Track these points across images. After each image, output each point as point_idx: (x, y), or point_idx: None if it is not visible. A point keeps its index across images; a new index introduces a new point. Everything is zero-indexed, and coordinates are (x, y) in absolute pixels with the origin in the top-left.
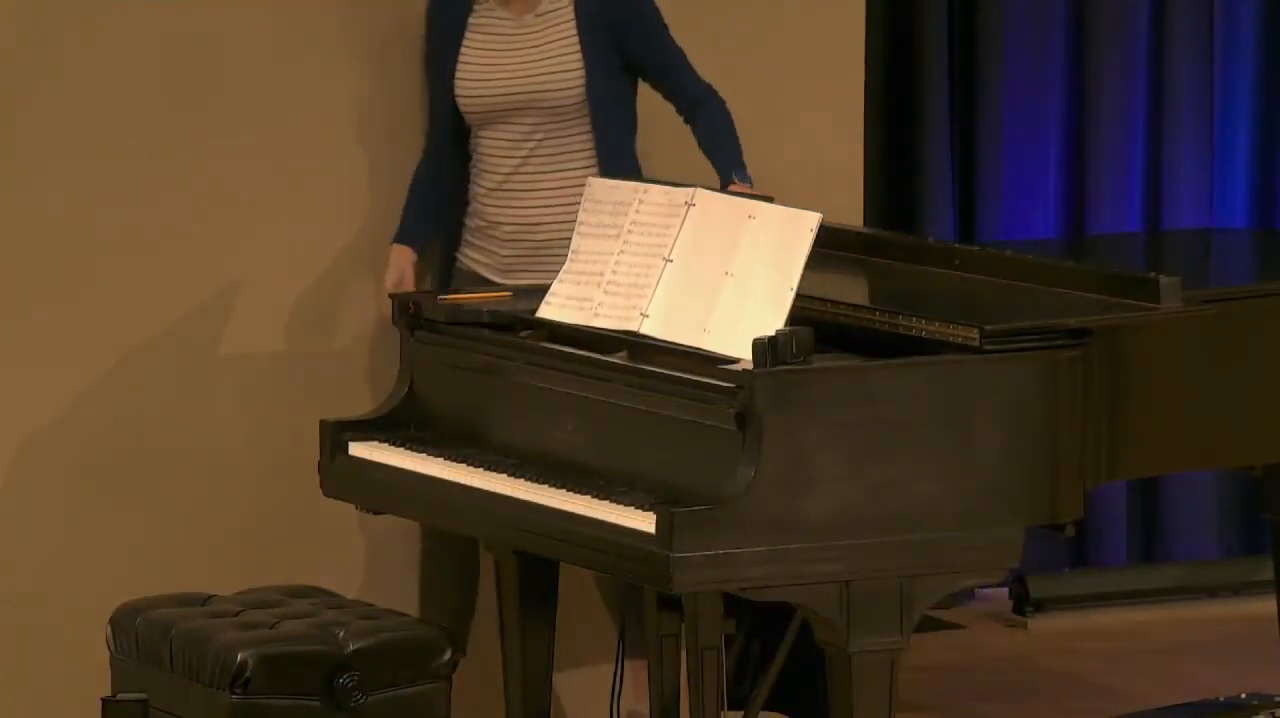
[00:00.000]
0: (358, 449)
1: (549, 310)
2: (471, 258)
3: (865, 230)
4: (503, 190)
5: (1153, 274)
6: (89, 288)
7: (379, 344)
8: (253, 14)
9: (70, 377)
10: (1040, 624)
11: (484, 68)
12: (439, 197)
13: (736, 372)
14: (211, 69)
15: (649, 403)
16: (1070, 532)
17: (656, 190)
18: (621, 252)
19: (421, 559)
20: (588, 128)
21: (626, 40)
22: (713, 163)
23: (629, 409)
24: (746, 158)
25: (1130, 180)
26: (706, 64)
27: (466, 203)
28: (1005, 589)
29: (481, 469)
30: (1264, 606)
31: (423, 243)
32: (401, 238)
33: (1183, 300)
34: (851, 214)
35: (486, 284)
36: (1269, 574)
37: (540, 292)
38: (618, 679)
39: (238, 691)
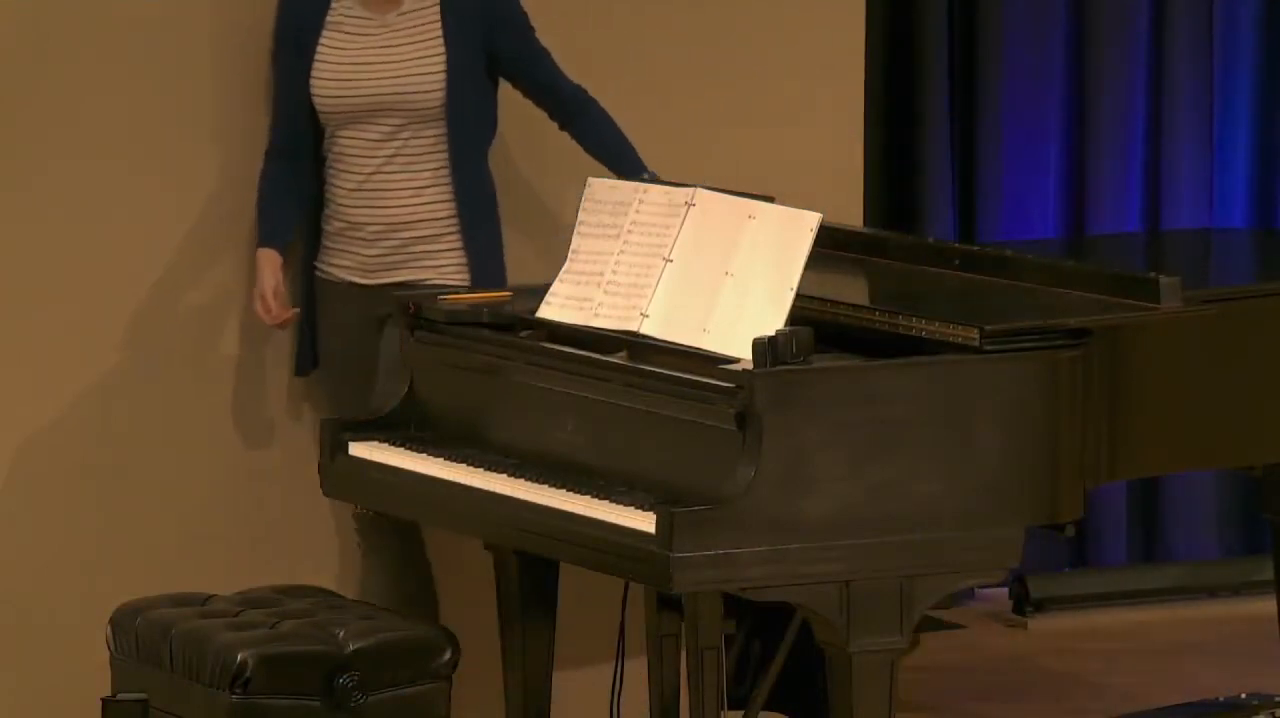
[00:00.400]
0: (358, 449)
1: (549, 310)
2: (334, 264)
3: (865, 230)
4: (364, 190)
5: (1153, 274)
6: (89, 288)
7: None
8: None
9: (70, 377)
10: (1040, 624)
11: (346, 67)
12: (296, 196)
13: (736, 372)
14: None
15: (649, 403)
16: (1070, 532)
17: (656, 190)
18: (621, 252)
19: (361, 556)
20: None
21: (494, 41)
22: (618, 174)
23: (629, 409)
24: (747, 157)
25: (1130, 180)
26: (707, 64)
27: (321, 206)
28: (1005, 589)
29: (481, 469)
30: (1264, 606)
31: (286, 243)
32: (267, 241)
33: (1183, 300)
34: (851, 214)
35: (352, 288)
36: (1269, 574)
37: (540, 291)
38: (618, 679)
39: (238, 691)
